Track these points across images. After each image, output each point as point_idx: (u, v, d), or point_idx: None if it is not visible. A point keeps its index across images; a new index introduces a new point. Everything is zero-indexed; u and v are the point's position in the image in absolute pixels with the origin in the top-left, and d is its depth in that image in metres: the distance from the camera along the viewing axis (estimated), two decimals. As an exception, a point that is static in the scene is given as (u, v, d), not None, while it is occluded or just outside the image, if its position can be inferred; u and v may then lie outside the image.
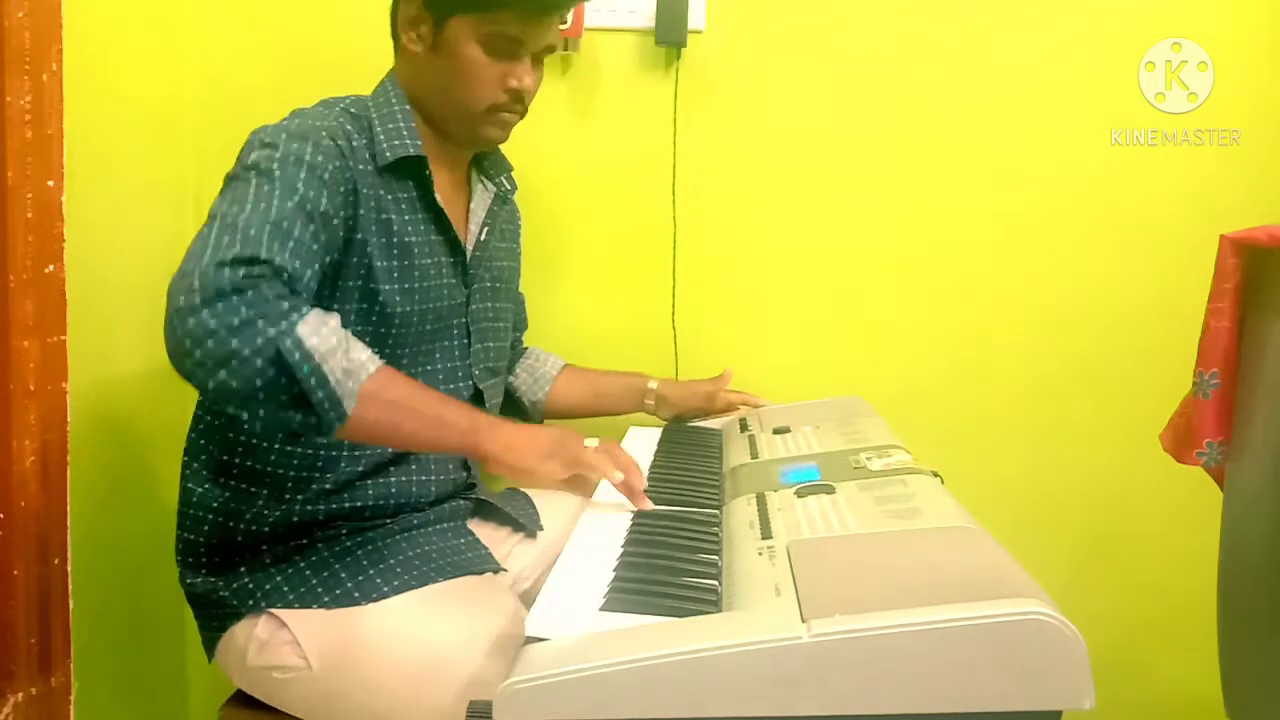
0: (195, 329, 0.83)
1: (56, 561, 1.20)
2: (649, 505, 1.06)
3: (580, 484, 1.04)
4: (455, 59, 1.13)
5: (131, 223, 1.43)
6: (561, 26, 1.20)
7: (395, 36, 1.19)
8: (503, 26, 1.11)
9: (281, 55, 1.60)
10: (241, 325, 0.84)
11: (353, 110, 1.13)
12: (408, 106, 1.16)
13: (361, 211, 1.07)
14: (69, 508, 1.22)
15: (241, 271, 0.86)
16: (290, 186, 0.97)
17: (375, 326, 1.10)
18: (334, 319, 0.91)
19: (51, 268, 1.17)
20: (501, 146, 1.26)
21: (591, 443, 1.03)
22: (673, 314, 1.65)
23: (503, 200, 1.30)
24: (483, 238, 1.24)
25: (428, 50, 1.14)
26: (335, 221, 1.02)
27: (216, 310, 0.84)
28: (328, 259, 1.02)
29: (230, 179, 1.00)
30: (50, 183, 1.16)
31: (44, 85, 1.14)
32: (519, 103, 1.17)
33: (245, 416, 0.87)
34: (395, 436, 0.98)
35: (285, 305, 0.87)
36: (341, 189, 1.04)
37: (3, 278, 1.11)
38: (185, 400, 1.16)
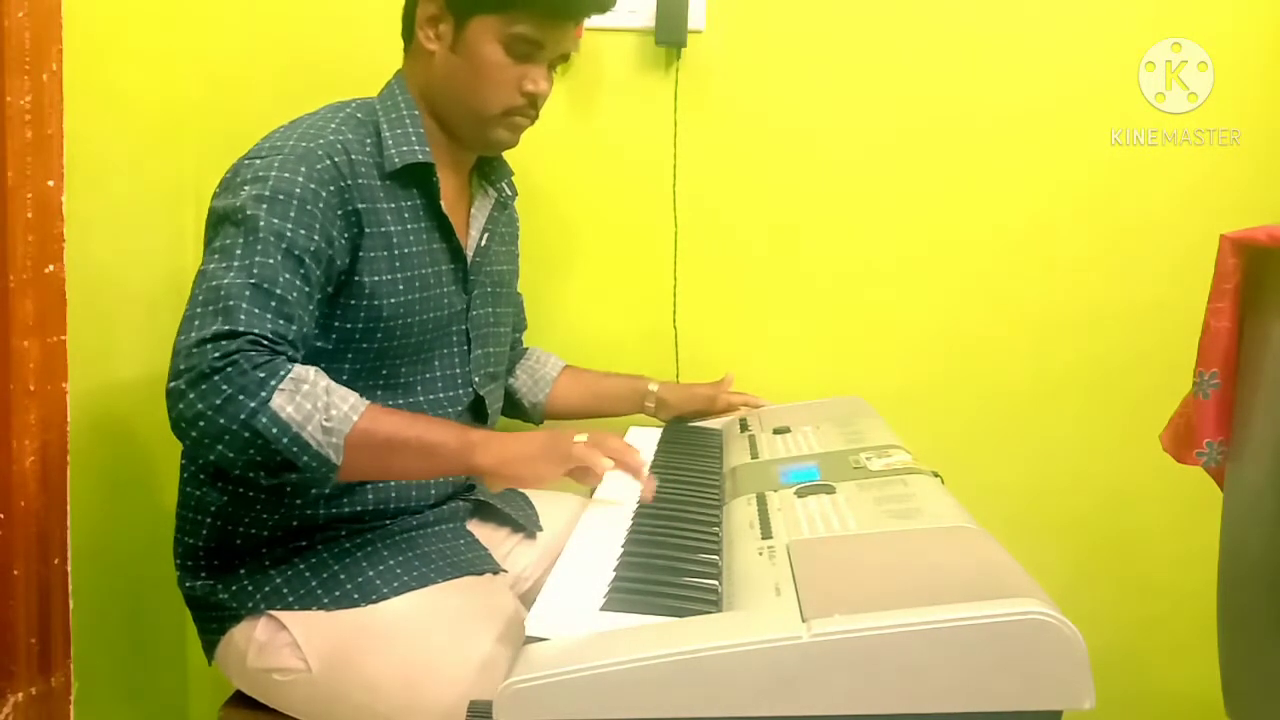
0: (185, 411, 0.91)
1: (56, 561, 1.20)
2: (653, 483, 1.07)
3: (583, 475, 1.05)
4: (474, 59, 1.12)
5: (131, 223, 1.43)
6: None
7: (409, 35, 1.18)
8: (525, 29, 1.11)
9: (282, 55, 1.60)
10: (224, 403, 0.90)
11: (359, 115, 1.12)
12: (417, 111, 1.15)
13: (365, 230, 1.07)
14: (69, 508, 1.22)
15: (220, 349, 0.91)
16: (277, 232, 0.98)
17: (379, 341, 1.10)
18: (309, 379, 0.93)
19: (51, 268, 1.17)
20: (502, 149, 1.26)
21: (581, 437, 1.04)
22: (674, 314, 1.65)
23: (503, 206, 1.30)
24: (483, 243, 1.24)
25: (446, 50, 1.14)
26: (330, 252, 1.03)
27: (201, 391, 0.90)
28: (328, 288, 1.04)
29: (219, 218, 1.01)
30: (50, 183, 1.16)
31: (44, 85, 1.14)
32: (533, 107, 1.17)
33: (250, 478, 0.94)
34: (391, 472, 1.06)
35: (262, 375, 0.91)
36: (339, 212, 1.04)
37: (3, 278, 1.11)
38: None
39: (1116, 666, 1.40)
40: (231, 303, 0.94)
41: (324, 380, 0.95)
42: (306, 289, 1.00)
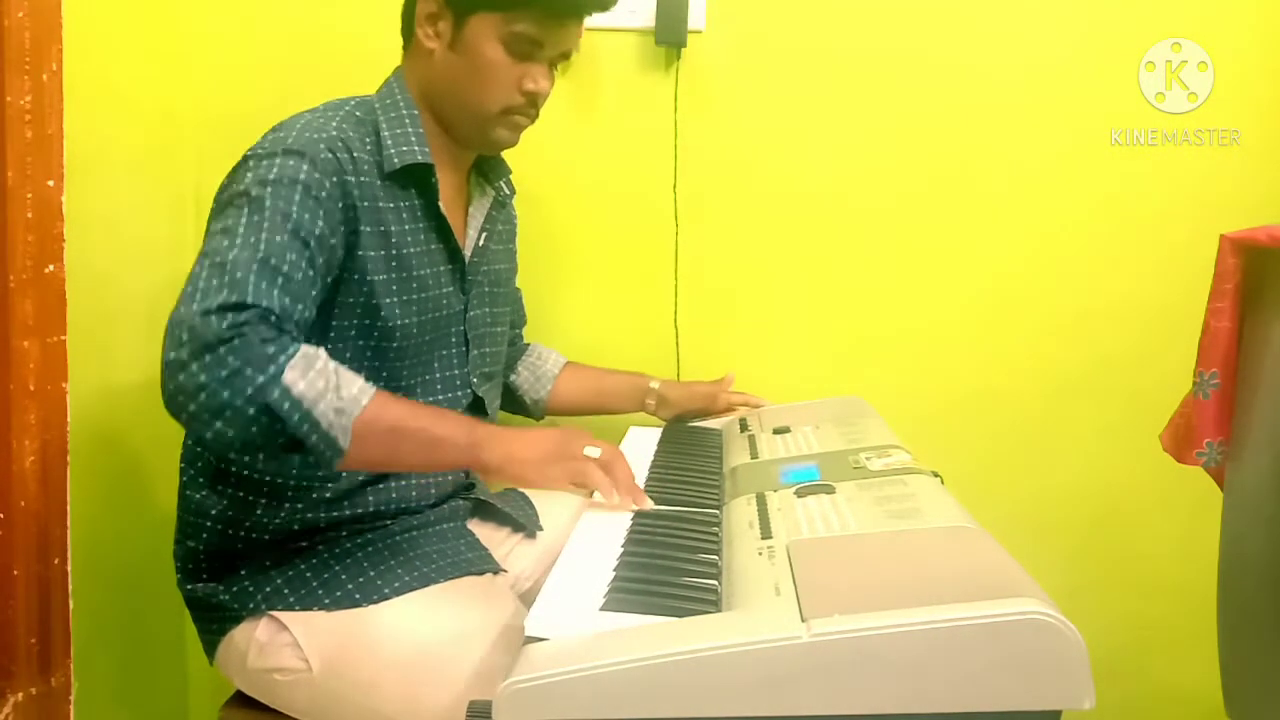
0: (186, 383, 0.86)
1: (56, 561, 1.20)
2: (646, 500, 1.06)
3: (583, 484, 1.05)
4: (474, 57, 1.12)
5: (131, 223, 1.43)
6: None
7: (408, 32, 1.18)
8: (525, 27, 1.10)
9: (282, 54, 1.60)
10: (230, 376, 0.85)
11: (358, 114, 1.12)
12: (416, 111, 1.15)
13: (362, 227, 1.06)
14: (69, 508, 1.21)
15: (228, 320, 0.87)
16: (283, 213, 0.96)
17: (375, 341, 1.10)
18: (320, 358, 0.91)
19: (51, 268, 1.17)
20: (501, 148, 1.25)
21: (594, 451, 1.03)
22: (675, 314, 1.65)
23: (501, 204, 1.30)
24: (481, 243, 1.24)
25: (445, 48, 1.13)
26: (333, 241, 1.02)
27: (205, 363, 0.86)
28: (328, 279, 1.03)
29: (223, 204, 1.00)
30: (50, 183, 1.16)
31: (44, 85, 1.14)
32: (533, 106, 1.16)
33: (247, 460, 0.93)
34: (395, 462, 1.03)
35: (271, 349, 0.88)
36: (340, 204, 1.03)
37: (3, 278, 1.11)
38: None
39: (1116, 666, 1.40)
40: (239, 274, 0.90)
41: (332, 362, 0.93)
42: (311, 273, 0.98)
